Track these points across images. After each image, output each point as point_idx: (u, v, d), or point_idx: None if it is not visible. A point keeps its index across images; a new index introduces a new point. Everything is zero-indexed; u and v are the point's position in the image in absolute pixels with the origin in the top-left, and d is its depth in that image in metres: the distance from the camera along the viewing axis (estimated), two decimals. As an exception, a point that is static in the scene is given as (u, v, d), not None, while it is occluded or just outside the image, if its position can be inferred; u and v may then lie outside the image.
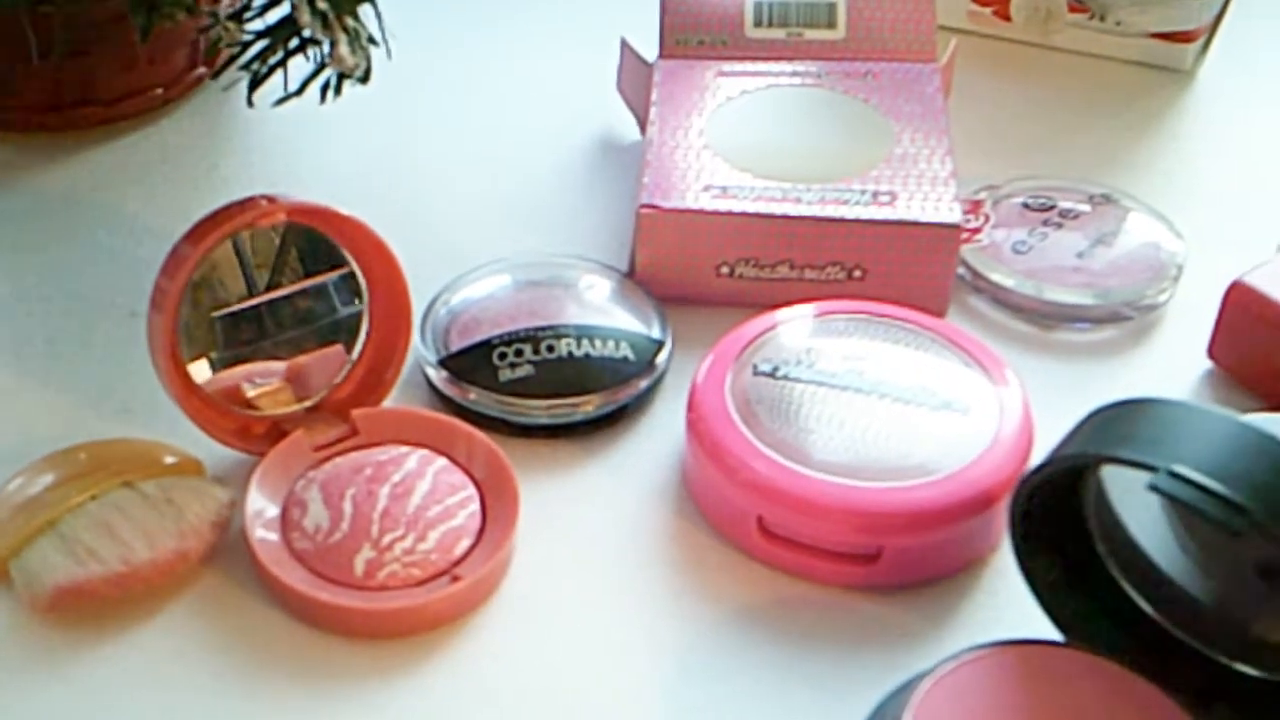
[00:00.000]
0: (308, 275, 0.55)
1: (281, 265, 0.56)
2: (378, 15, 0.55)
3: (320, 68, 0.53)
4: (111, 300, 0.61)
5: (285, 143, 0.70)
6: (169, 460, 0.53)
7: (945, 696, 0.43)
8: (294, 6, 0.50)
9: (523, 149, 0.70)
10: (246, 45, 0.52)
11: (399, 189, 0.68)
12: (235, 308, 0.55)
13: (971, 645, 0.46)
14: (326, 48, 0.51)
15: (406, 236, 0.57)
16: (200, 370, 0.54)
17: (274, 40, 0.51)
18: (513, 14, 0.79)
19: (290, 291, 0.56)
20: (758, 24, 0.69)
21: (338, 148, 0.70)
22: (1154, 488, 0.40)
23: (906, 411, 0.53)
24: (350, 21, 0.51)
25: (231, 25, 0.51)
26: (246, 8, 0.52)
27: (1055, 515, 0.47)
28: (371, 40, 0.53)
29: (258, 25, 0.55)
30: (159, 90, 0.70)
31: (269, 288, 0.55)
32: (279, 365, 0.56)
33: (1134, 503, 0.47)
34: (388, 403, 0.56)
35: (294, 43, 0.51)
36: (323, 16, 0.50)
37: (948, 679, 0.44)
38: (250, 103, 0.53)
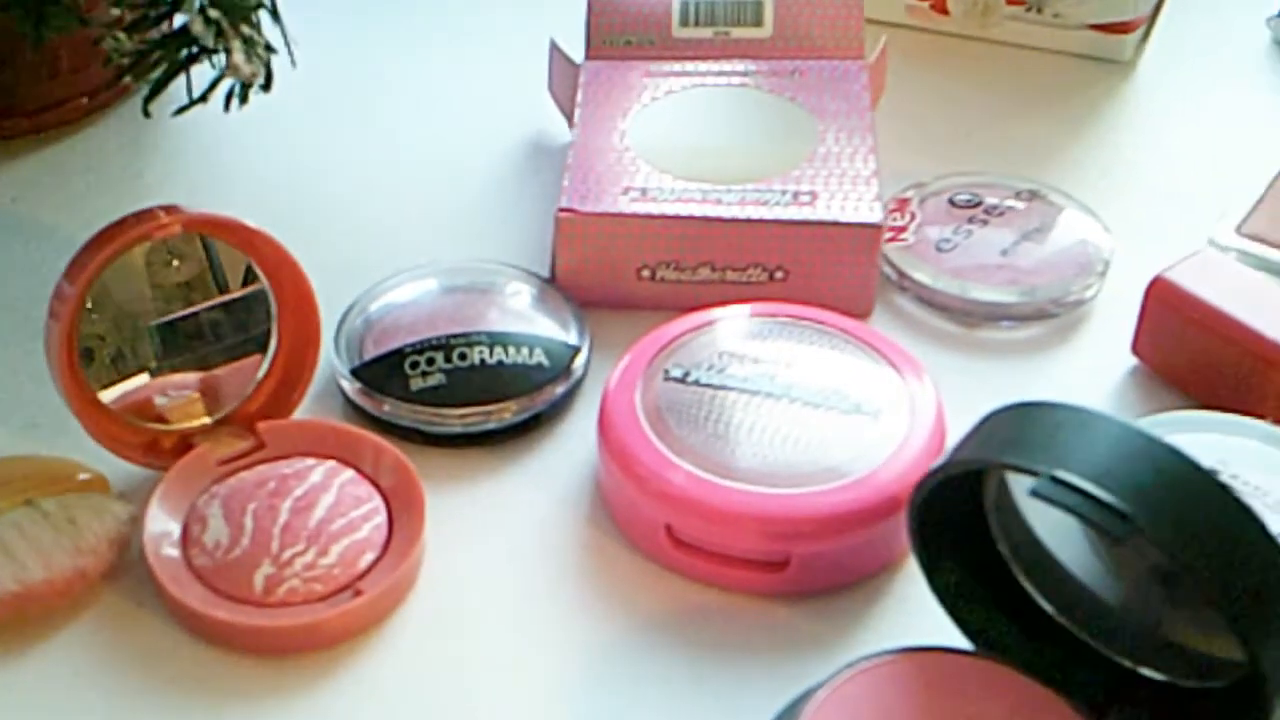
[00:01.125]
0: (247, 284, 0.55)
1: (252, 272, 0.55)
2: (279, 22, 0.55)
3: (219, 77, 0.52)
4: (26, 313, 0.60)
5: (212, 150, 0.69)
6: (73, 477, 0.52)
7: (839, 706, 0.43)
8: (187, 16, 0.50)
9: (454, 153, 0.70)
10: (143, 55, 0.51)
11: (326, 195, 0.67)
12: (171, 316, 0.54)
13: (870, 653, 0.45)
14: (223, 57, 0.51)
15: (331, 243, 0.57)
16: (139, 381, 0.54)
17: (167, 50, 0.51)
18: (444, 16, 0.79)
19: (222, 301, 0.55)
20: (684, 23, 0.68)
21: (266, 154, 0.69)
22: (1036, 493, 0.40)
23: (817, 416, 0.52)
24: (245, 30, 0.50)
25: (121, 36, 0.50)
26: (145, 18, 0.52)
27: (956, 518, 0.46)
28: (269, 48, 0.52)
29: (157, 35, 0.54)
30: (83, 99, 0.69)
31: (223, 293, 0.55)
32: (194, 377, 0.55)
33: (1041, 506, 0.46)
34: (300, 414, 0.56)
35: (188, 52, 0.51)
36: (216, 26, 0.49)
37: (843, 688, 0.43)
38: (147, 113, 0.52)
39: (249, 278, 0.55)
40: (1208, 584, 0.38)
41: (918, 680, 0.44)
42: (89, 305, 0.53)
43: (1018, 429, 0.42)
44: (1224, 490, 0.40)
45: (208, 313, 0.55)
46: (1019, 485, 0.46)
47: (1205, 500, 0.39)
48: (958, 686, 0.44)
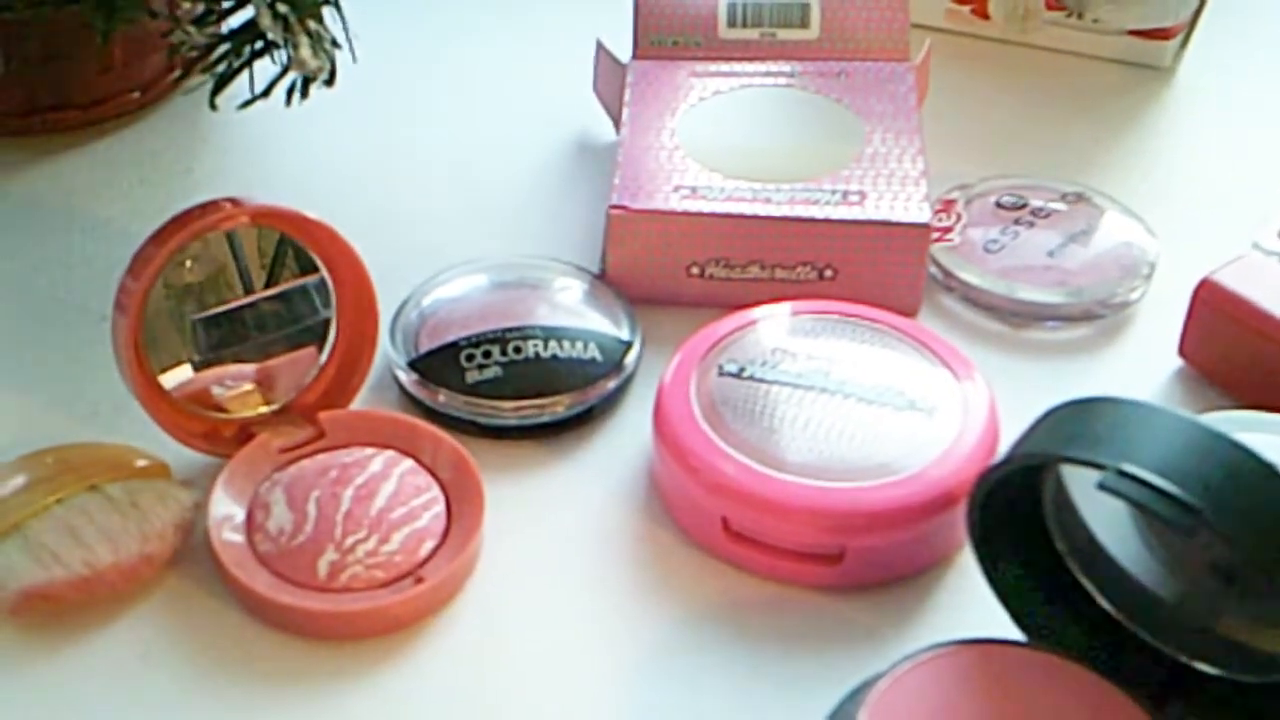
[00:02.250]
0: (293, 276, 0.56)
1: (280, 266, 0.56)
2: (341, 18, 0.55)
3: (284, 71, 0.53)
4: (85, 304, 0.61)
5: (262, 145, 0.70)
6: (136, 463, 0.53)
7: (901, 696, 0.43)
8: (255, 10, 0.50)
9: (500, 150, 0.71)
10: (209, 49, 0.52)
11: (375, 190, 0.68)
12: (214, 310, 0.55)
13: (930, 645, 0.45)
14: (289, 51, 0.51)
15: (382, 238, 0.57)
16: (181, 374, 0.54)
17: (235, 44, 0.51)
18: (491, 15, 0.79)
19: (271, 294, 0.56)
20: (731, 24, 0.69)
21: (315, 150, 0.70)
22: (1103, 486, 0.40)
23: (871, 411, 0.53)
24: (312, 24, 0.51)
25: (192, 29, 0.51)
26: (210, 12, 0.52)
27: (1014, 514, 0.47)
28: (334, 43, 0.53)
29: (222, 29, 0.55)
30: (135, 94, 0.70)
31: (267, 288, 0.55)
32: (250, 368, 0.56)
33: (1097, 501, 0.47)
34: (357, 405, 0.57)
35: (255, 46, 0.51)
36: (284, 20, 0.50)
37: (904, 679, 0.44)
38: (213, 106, 0.53)
39: (272, 276, 0.55)
40: (1272, 576, 0.39)
41: (978, 671, 0.44)
42: None
43: (1081, 424, 0.43)
44: (1288, 485, 0.40)
45: (250, 307, 0.56)
46: (1076, 482, 0.47)
47: (1270, 494, 0.40)
48: (1018, 677, 0.44)
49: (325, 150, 0.70)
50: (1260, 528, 0.39)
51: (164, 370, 0.54)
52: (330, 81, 0.54)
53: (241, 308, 0.56)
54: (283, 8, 0.50)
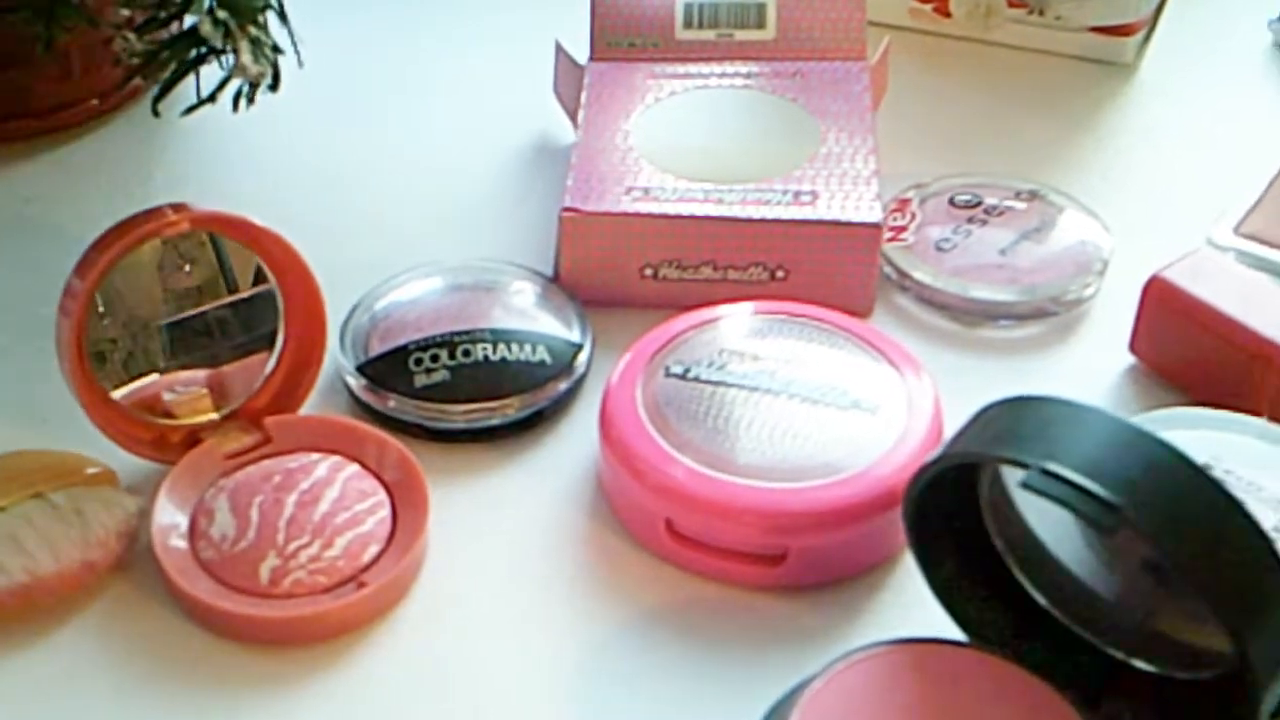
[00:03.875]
0: (263, 282, 0.56)
1: (262, 272, 0.56)
2: (286, 24, 0.55)
3: (227, 78, 0.53)
4: (35, 311, 0.61)
5: (223, 151, 0.70)
6: (83, 471, 0.53)
7: (835, 696, 0.43)
8: (196, 17, 0.50)
9: (460, 153, 0.71)
10: (153, 56, 0.52)
11: (336, 194, 0.68)
12: (180, 315, 0.55)
13: (866, 644, 0.45)
14: (231, 57, 0.51)
15: (340, 241, 0.57)
16: (148, 381, 0.54)
17: (176, 51, 0.51)
18: (453, 17, 0.79)
19: (235, 300, 0.56)
20: (688, 25, 0.69)
21: (277, 154, 0.70)
22: (1026, 484, 0.40)
23: (815, 411, 0.53)
24: (253, 30, 0.51)
25: (132, 36, 0.51)
26: (153, 19, 0.53)
27: (951, 512, 0.47)
28: (276, 49, 0.53)
29: (166, 36, 0.55)
30: (94, 101, 0.70)
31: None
32: (202, 373, 0.56)
33: (1034, 499, 0.47)
34: (308, 409, 0.57)
35: (196, 53, 0.51)
36: (224, 26, 0.50)
37: (838, 678, 0.44)
38: (156, 113, 0.53)
39: (259, 278, 0.55)
40: (1195, 575, 0.39)
41: (913, 671, 0.44)
42: (101, 309, 0.54)
43: (1010, 423, 0.43)
44: (1213, 483, 0.40)
45: (216, 311, 0.56)
46: (1013, 479, 0.47)
47: (1194, 493, 0.40)
48: (952, 678, 0.44)
49: (287, 155, 0.70)
50: (1183, 526, 0.39)
51: (135, 379, 0.54)
52: (274, 87, 0.54)
53: (207, 312, 0.56)
54: (222, 14, 0.50)
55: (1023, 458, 0.41)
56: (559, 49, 0.69)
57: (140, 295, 0.55)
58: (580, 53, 0.69)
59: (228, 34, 0.50)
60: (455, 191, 0.69)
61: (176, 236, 0.53)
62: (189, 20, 0.52)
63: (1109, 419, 0.41)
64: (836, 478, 0.51)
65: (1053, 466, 0.40)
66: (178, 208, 0.52)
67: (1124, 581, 0.46)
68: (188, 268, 0.55)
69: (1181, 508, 0.40)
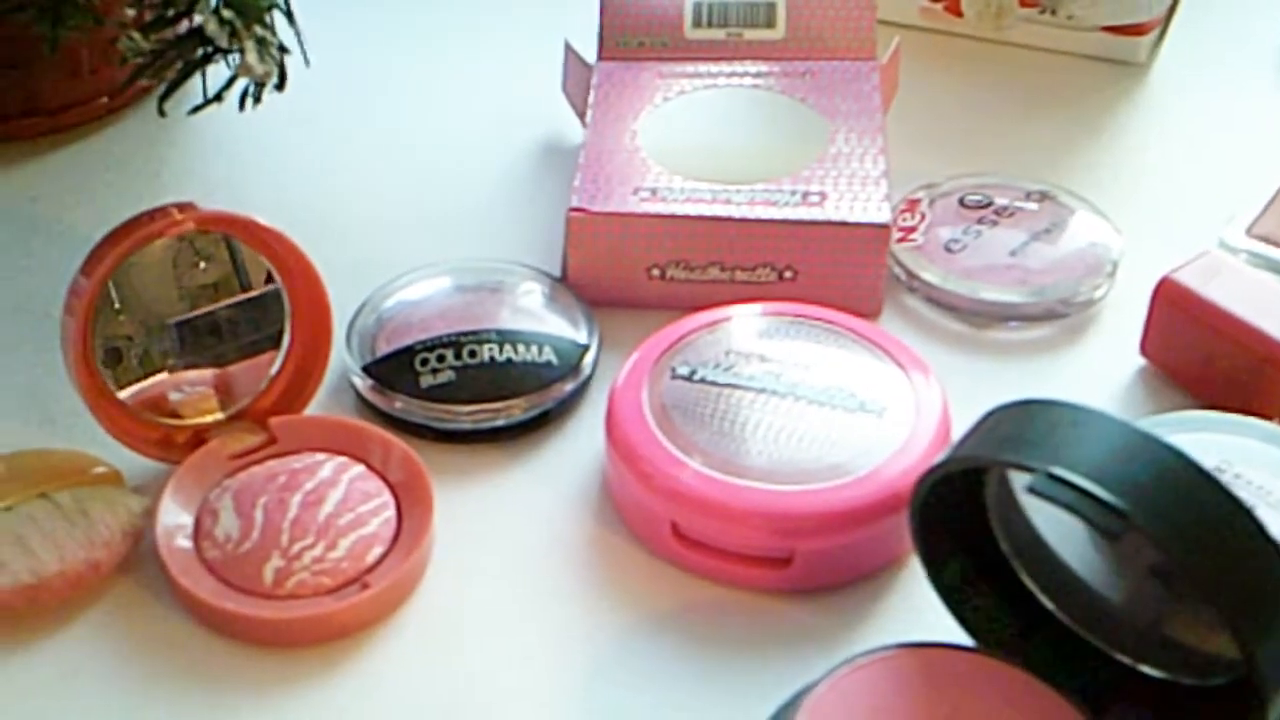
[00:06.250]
0: (268, 283, 0.56)
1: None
2: (292, 23, 0.55)
3: (233, 77, 0.53)
4: (45, 311, 0.61)
5: (232, 149, 0.70)
6: (89, 470, 0.53)
7: (837, 700, 0.43)
8: (201, 16, 0.50)
9: (470, 152, 0.70)
10: (159, 55, 0.52)
11: (344, 193, 0.68)
12: (190, 314, 0.55)
13: (870, 648, 0.45)
14: (237, 57, 0.51)
15: (348, 240, 0.57)
16: (156, 380, 0.54)
17: (182, 50, 0.51)
18: (465, 16, 0.79)
19: (244, 299, 0.56)
20: (697, 25, 0.69)
21: (285, 153, 0.70)
22: (1033, 489, 0.40)
23: (822, 414, 0.53)
24: (259, 30, 0.51)
25: (137, 36, 0.51)
26: (160, 18, 0.52)
27: (958, 515, 0.46)
28: (283, 48, 0.52)
29: (172, 35, 0.55)
30: (104, 99, 0.70)
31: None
32: (209, 373, 0.56)
33: (1042, 504, 0.47)
34: (314, 410, 0.56)
35: (202, 52, 0.51)
36: (230, 26, 0.50)
37: (841, 683, 0.44)
38: (162, 112, 0.53)
39: (270, 277, 0.55)
40: (1202, 581, 0.39)
41: (916, 676, 0.44)
42: (117, 306, 0.54)
43: (1016, 426, 0.43)
44: (1221, 488, 0.40)
45: (225, 310, 0.56)
46: (1020, 483, 0.46)
47: (1202, 498, 0.40)
48: (956, 682, 0.44)
49: (295, 153, 0.70)
50: (1190, 532, 0.39)
51: (149, 375, 0.54)
52: (280, 86, 0.54)
53: (215, 311, 0.56)
54: (228, 13, 0.50)
55: (1029, 462, 0.41)
56: (568, 48, 0.69)
57: (157, 293, 0.55)
58: (589, 52, 0.69)
59: (233, 33, 0.50)
60: (464, 191, 0.68)
61: (191, 233, 0.53)
62: (196, 19, 0.52)
63: (1116, 423, 0.41)
64: (843, 480, 0.51)
65: (1059, 471, 0.40)
66: (183, 207, 0.52)
67: (1132, 586, 0.46)
68: (203, 265, 0.55)
69: (1189, 513, 0.39)
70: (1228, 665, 0.43)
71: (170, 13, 0.51)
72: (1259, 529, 0.40)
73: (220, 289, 0.55)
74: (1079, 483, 0.39)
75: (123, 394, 0.54)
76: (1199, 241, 0.61)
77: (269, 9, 0.52)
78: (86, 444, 0.54)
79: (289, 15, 0.55)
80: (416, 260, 0.62)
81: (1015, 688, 0.44)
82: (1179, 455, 0.40)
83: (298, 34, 0.56)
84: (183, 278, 0.54)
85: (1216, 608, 0.39)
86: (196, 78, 0.56)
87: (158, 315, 0.55)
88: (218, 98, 0.54)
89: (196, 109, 0.55)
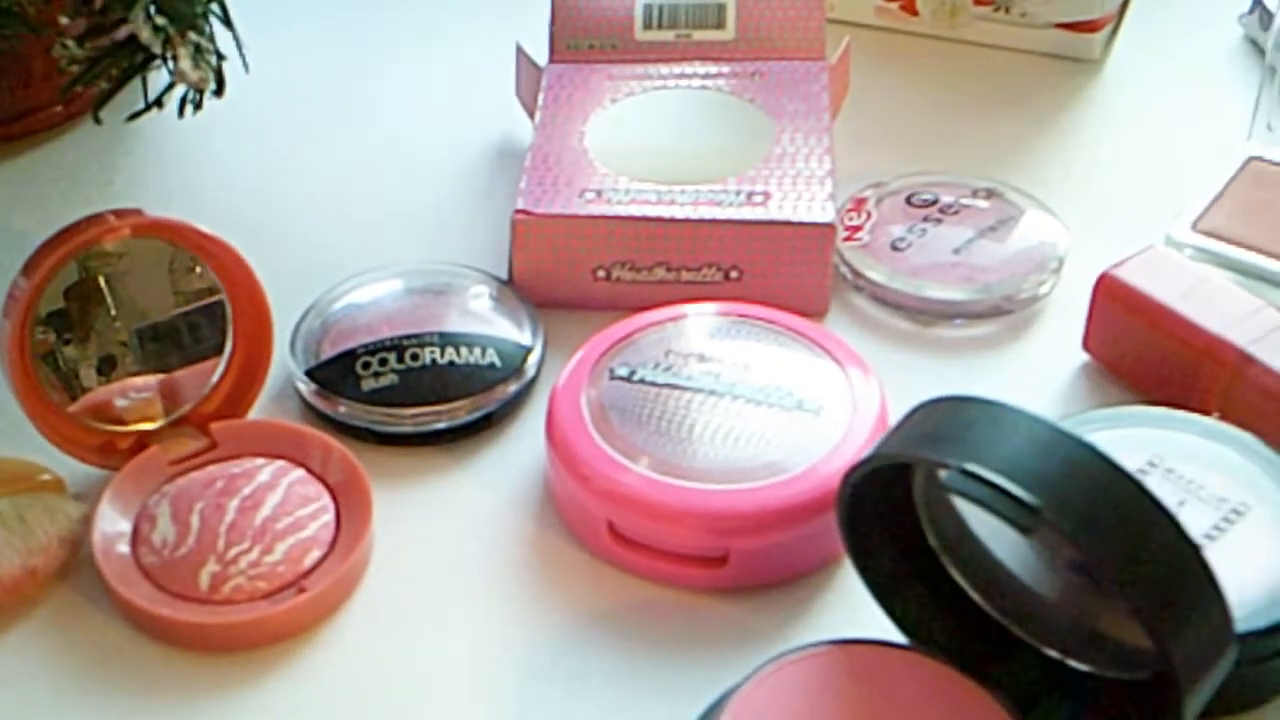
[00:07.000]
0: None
1: None
2: (230, 28, 0.55)
3: (170, 84, 0.53)
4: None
5: (184, 157, 0.70)
6: (30, 478, 0.53)
7: (765, 698, 0.43)
8: (135, 24, 0.51)
9: (421, 156, 0.71)
10: (94, 63, 0.52)
11: (295, 198, 0.68)
12: (153, 320, 0.55)
13: (798, 645, 0.45)
14: (172, 64, 0.51)
15: (297, 245, 0.57)
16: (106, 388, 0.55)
17: (116, 58, 0.51)
18: (415, 19, 0.79)
19: (198, 305, 0.56)
20: (647, 26, 0.69)
21: (235, 159, 0.70)
22: (947, 485, 0.40)
23: (759, 413, 0.53)
24: (193, 36, 0.51)
25: (71, 44, 0.51)
26: (98, 26, 0.53)
27: (886, 511, 0.46)
28: (219, 55, 0.53)
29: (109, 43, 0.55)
30: (57, 108, 0.70)
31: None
32: (154, 379, 0.56)
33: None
34: (258, 414, 0.57)
35: (137, 60, 0.51)
36: (164, 33, 0.50)
37: (768, 680, 0.44)
38: (97, 120, 0.53)
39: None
40: (1114, 575, 0.39)
41: (845, 673, 0.44)
42: (113, 313, 0.54)
43: (936, 423, 0.43)
44: (1135, 484, 0.40)
45: (179, 317, 0.56)
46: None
47: (1116, 493, 0.40)
48: (883, 679, 0.44)
49: (246, 159, 0.70)
50: (1103, 526, 0.39)
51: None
52: (219, 93, 0.54)
53: (175, 318, 0.56)
54: (161, 21, 0.50)
55: (944, 458, 0.41)
56: (519, 51, 0.69)
57: (153, 298, 0.55)
58: (542, 55, 0.69)
59: (167, 41, 0.50)
60: (416, 195, 0.69)
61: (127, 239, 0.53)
62: (130, 27, 0.52)
63: (1033, 419, 0.41)
64: (778, 479, 0.51)
65: (972, 467, 0.40)
66: (121, 214, 0.52)
67: (1059, 582, 0.46)
68: (198, 269, 0.55)
69: (1102, 508, 0.39)
70: (1151, 658, 0.43)
71: (107, 21, 0.51)
72: (1173, 523, 0.40)
73: (216, 293, 0.55)
74: (991, 478, 0.39)
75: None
76: (1147, 237, 0.61)
77: (203, 15, 0.52)
78: (33, 452, 0.54)
79: (227, 21, 0.55)
80: (367, 264, 0.62)
81: (943, 684, 0.44)
82: (1094, 451, 0.40)
83: (237, 40, 0.56)
84: (179, 282, 0.54)
85: (1129, 601, 0.39)
86: (135, 84, 0.56)
87: (153, 321, 0.55)
88: (157, 104, 0.55)
89: (134, 115, 0.55)
